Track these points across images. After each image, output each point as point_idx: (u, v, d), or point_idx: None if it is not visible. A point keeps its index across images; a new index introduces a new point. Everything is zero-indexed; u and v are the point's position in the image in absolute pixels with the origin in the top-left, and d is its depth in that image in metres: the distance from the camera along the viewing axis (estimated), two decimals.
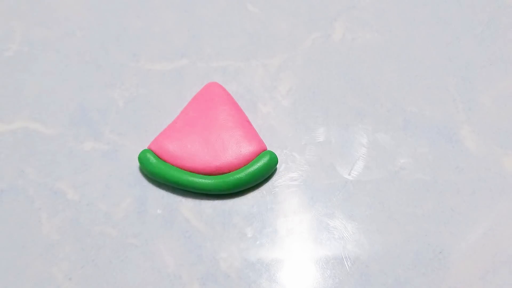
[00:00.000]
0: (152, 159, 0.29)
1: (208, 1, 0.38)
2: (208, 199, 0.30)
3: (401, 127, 0.32)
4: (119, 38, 0.36)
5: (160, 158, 0.30)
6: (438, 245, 0.28)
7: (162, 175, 0.29)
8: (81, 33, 0.36)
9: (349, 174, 0.31)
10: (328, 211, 0.29)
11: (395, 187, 0.30)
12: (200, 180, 0.29)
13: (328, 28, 0.37)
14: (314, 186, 0.30)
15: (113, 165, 0.31)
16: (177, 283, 0.27)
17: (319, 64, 0.35)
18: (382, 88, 0.34)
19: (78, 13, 0.37)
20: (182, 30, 0.37)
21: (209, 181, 0.29)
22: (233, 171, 0.30)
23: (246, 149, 0.30)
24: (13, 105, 0.33)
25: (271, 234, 0.29)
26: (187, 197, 0.30)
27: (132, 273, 0.28)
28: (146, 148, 0.30)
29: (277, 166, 0.31)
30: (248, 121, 0.31)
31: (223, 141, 0.30)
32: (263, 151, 0.30)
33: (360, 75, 0.34)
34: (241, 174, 0.29)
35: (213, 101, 0.32)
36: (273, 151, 0.31)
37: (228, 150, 0.30)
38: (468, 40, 0.36)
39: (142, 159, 0.30)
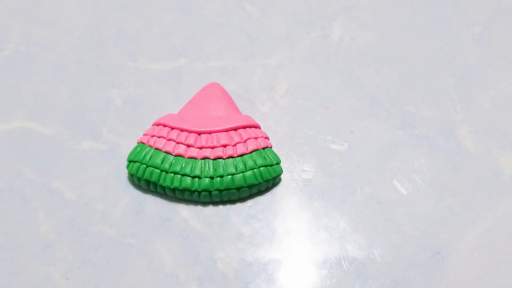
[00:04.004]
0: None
1: (206, 1, 0.38)
2: None
3: (399, 127, 0.32)
4: (117, 37, 0.36)
5: (148, 144, 0.30)
6: (436, 246, 0.28)
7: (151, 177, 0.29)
8: (78, 33, 0.36)
9: (347, 174, 0.31)
10: (326, 211, 0.29)
11: (393, 187, 0.30)
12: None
13: (327, 28, 0.37)
14: (312, 186, 0.30)
15: (111, 164, 0.31)
16: (174, 283, 0.27)
17: (317, 64, 0.35)
18: (380, 88, 0.34)
19: (75, 12, 0.37)
20: (180, 30, 0.37)
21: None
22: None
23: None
24: (11, 105, 0.33)
25: (268, 234, 0.29)
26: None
27: (130, 273, 0.28)
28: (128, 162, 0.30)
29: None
30: None
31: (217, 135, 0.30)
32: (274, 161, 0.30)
33: (358, 75, 0.34)
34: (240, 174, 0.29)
35: (211, 101, 0.32)
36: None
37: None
38: (467, 40, 0.36)
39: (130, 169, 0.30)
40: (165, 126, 0.30)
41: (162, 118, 0.31)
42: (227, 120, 0.30)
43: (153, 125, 0.31)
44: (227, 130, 0.30)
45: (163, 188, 0.29)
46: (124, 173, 0.31)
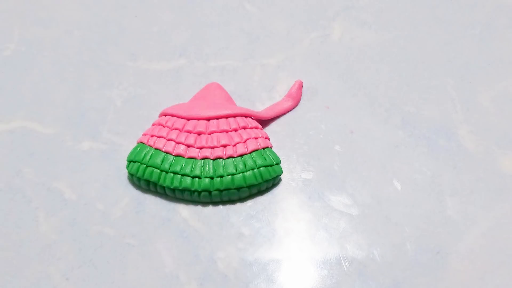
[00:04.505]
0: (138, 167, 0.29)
1: (206, 1, 0.38)
2: None
3: (399, 126, 0.32)
4: (117, 37, 0.36)
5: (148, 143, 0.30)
6: (436, 246, 0.28)
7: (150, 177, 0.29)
8: (78, 33, 0.36)
9: (347, 174, 0.31)
10: (326, 211, 0.29)
11: (393, 187, 0.30)
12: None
13: (327, 28, 0.37)
14: (312, 186, 0.30)
15: (111, 164, 0.31)
16: (174, 283, 0.27)
17: (318, 64, 0.35)
18: (380, 88, 0.34)
19: (76, 12, 0.37)
20: (180, 30, 0.37)
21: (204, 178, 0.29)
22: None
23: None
24: (11, 105, 0.33)
25: (269, 234, 0.29)
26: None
27: (130, 273, 0.28)
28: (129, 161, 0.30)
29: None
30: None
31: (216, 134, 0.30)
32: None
33: (359, 75, 0.34)
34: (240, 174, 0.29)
35: (211, 101, 0.32)
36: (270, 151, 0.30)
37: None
38: (467, 40, 0.36)
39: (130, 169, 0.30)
40: (172, 115, 0.30)
41: (169, 108, 0.31)
42: (229, 108, 0.30)
43: (160, 115, 0.31)
44: (233, 116, 0.30)
45: (163, 188, 0.29)
46: (124, 173, 0.31)
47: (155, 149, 0.30)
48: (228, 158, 0.29)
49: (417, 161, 0.31)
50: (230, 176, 0.29)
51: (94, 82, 0.34)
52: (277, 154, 0.31)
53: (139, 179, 0.29)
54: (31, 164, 0.31)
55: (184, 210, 0.29)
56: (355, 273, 0.28)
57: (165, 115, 0.31)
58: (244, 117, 0.31)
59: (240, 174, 0.29)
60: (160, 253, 0.28)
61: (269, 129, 0.32)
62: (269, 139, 0.31)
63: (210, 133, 0.30)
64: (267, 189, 0.30)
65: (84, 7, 0.38)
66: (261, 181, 0.29)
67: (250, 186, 0.29)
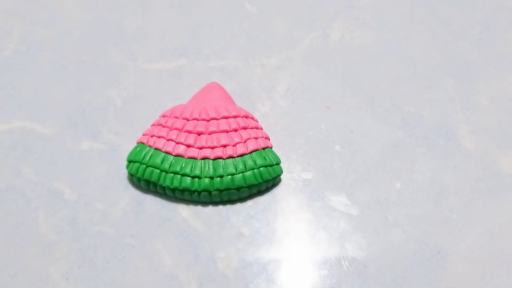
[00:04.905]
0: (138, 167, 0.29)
1: (206, 1, 0.38)
2: None
3: (399, 126, 0.32)
4: (117, 37, 0.36)
5: (147, 144, 0.30)
6: (436, 246, 0.28)
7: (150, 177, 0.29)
8: (78, 33, 0.36)
9: (347, 174, 0.31)
10: (326, 211, 0.29)
11: (393, 187, 0.30)
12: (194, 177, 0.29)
13: (327, 28, 0.37)
14: (312, 186, 0.30)
15: (111, 164, 0.31)
16: (174, 283, 0.27)
17: (317, 64, 0.35)
18: (380, 88, 0.34)
19: (76, 12, 0.37)
20: (180, 30, 0.37)
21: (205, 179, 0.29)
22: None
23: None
24: (11, 105, 0.33)
25: (269, 234, 0.29)
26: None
27: (130, 273, 0.28)
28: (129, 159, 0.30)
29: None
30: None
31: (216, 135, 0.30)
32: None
33: (358, 75, 0.34)
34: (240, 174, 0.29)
35: (211, 100, 0.32)
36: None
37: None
38: (467, 40, 0.36)
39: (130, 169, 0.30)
40: (172, 116, 0.30)
41: (169, 110, 0.31)
42: (230, 111, 0.30)
43: (161, 116, 0.31)
44: (233, 117, 0.30)
45: (163, 188, 0.29)
46: (124, 173, 0.31)
47: (155, 149, 0.30)
48: (228, 158, 0.29)
49: (417, 161, 0.31)
50: (230, 176, 0.29)
51: (94, 82, 0.34)
52: (277, 154, 0.31)
53: (139, 179, 0.29)
54: (31, 164, 0.31)
55: (184, 210, 0.29)
56: (355, 273, 0.28)
57: (165, 116, 0.31)
58: (244, 118, 0.31)
59: (240, 174, 0.29)
60: (160, 253, 0.28)
61: (269, 129, 0.32)
62: (269, 139, 0.31)
63: (210, 133, 0.30)
64: (267, 189, 0.30)
65: (84, 7, 0.38)
66: (261, 181, 0.29)
67: (250, 186, 0.29)
